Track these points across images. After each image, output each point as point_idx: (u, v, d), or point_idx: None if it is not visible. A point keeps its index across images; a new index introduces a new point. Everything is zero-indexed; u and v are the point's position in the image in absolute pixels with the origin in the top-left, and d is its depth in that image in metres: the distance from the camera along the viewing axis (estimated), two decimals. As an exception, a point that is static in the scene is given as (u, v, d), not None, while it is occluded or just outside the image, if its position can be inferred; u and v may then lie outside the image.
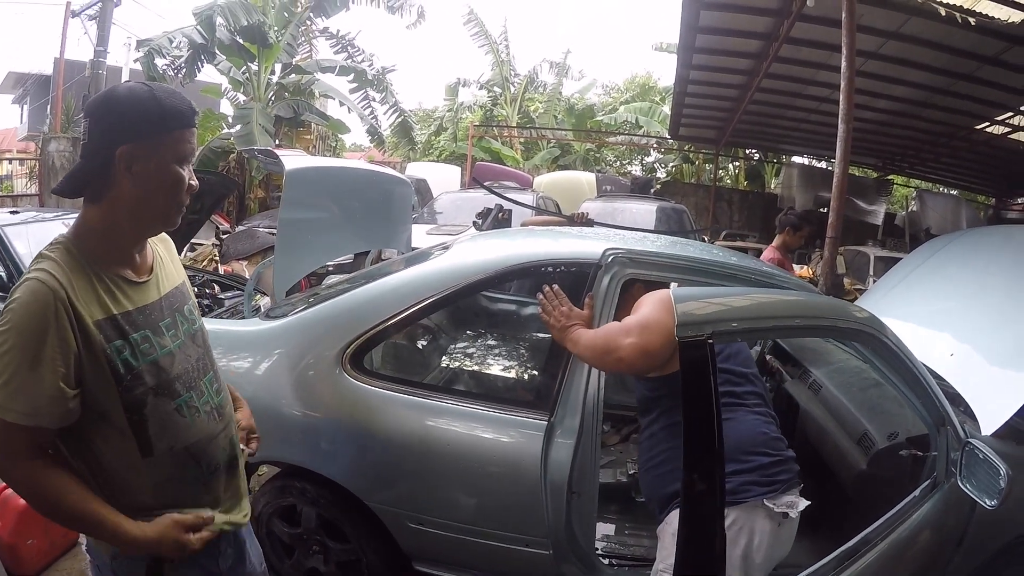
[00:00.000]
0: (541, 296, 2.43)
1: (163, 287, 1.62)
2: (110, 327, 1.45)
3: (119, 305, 1.48)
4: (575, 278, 2.79)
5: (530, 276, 3.01)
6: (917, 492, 2.42)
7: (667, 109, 21.88)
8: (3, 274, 5.00)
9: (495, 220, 6.00)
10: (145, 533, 1.46)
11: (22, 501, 3.18)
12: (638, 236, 3.46)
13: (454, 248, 3.16)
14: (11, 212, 6.24)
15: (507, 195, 6.60)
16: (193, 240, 7.35)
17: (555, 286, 2.45)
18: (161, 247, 1.71)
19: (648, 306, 2.20)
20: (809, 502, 2.19)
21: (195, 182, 1.54)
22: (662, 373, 2.25)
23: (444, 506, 2.69)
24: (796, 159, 22.57)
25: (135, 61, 16.14)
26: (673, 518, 2.19)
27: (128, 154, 1.43)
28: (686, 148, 24.46)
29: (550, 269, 2.87)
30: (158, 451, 1.52)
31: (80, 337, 1.39)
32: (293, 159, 3.54)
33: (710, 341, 1.67)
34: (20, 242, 5.15)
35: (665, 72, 50.13)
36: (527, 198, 9.32)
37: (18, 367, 1.34)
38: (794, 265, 13.45)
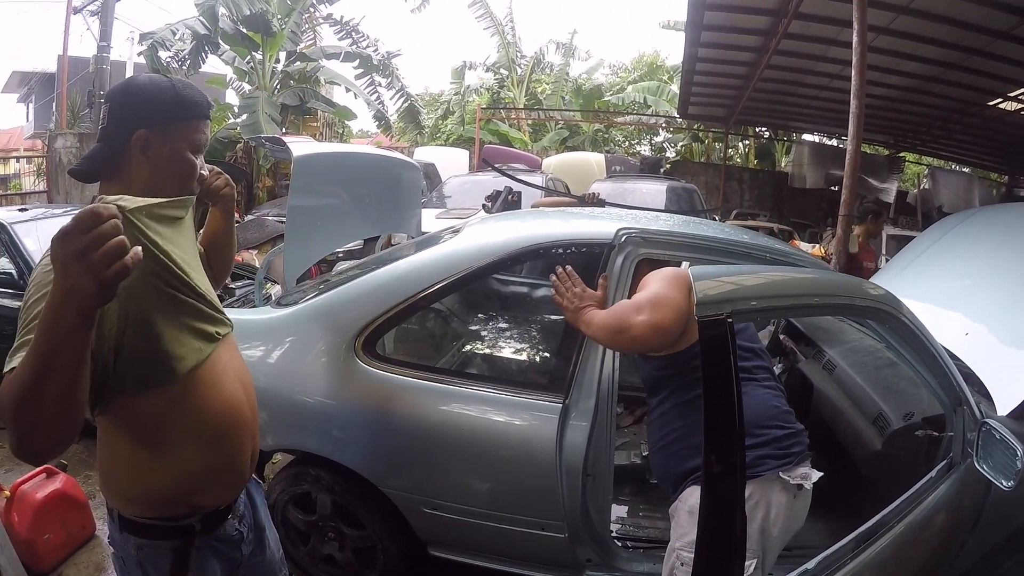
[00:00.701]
0: (554, 277, 2.42)
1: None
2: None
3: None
4: (587, 258, 2.78)
5: (542, 257, 2.98)
6: (933, 473, 2.40)
7: (675, 88, 21.72)
8: (14, 271, 5.06)
9: (505, 202, 5.98)
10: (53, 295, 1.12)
11: (39, 496, 3.23)
12: (650, 216, 3.43)
13: (464, 231, 3.15)
14: (20, 210, 6.29)
15: (517, 177, 6.56)
16: (202, 230, 7.34)
17: (568, 267, 2.44)
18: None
19: (657, 282, 2.19)
20: (821, 473, 2.19)
21: (206, 171, 1.63)
22: (672, 351, 2.24)
23: (459, 491, 2.69)
24: (807, 137, 22.40)
25: (139, 55, 16.14)
26: (688, 496, 2.19)
27: (144, 138, 1.51)
28: (695, 127, 24.32)
29: (561, 250, 2.85)
30: None
31: None
32: (301, 146, 3.53)
33: (729, 320, 1.65)
34: (30, 239, 5.21)
35: (673, 50, 49.87)
36: (536, 180, 9.27)
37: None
38: (805, 244, 13.46)
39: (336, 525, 2.93)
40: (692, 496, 2.16)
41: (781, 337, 4.25)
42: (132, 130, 1.51)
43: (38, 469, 3.34)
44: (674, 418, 2.30)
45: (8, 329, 4.34)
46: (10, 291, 4.97)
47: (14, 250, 5.13)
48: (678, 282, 2.18)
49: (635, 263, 2.62)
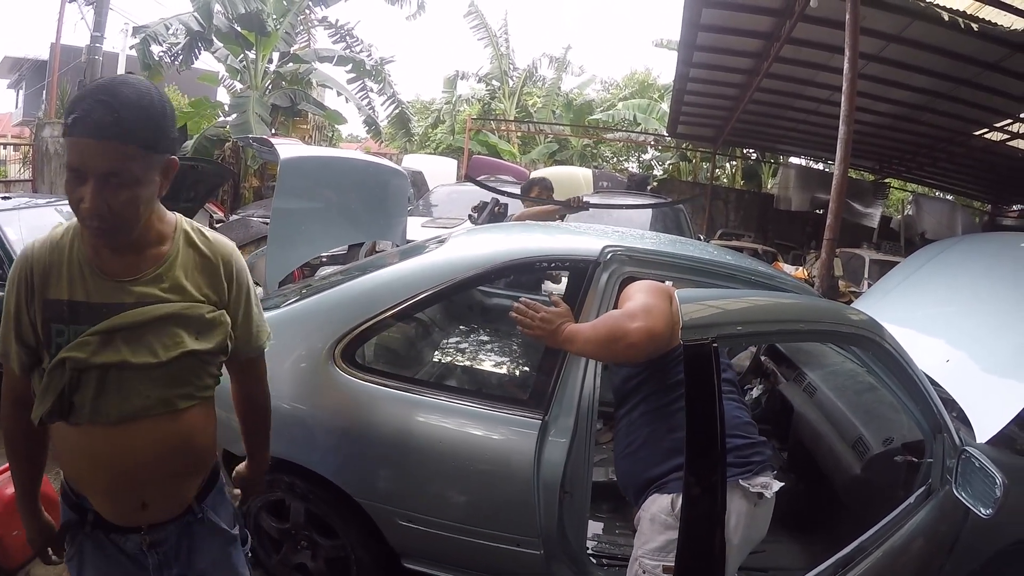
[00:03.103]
0: (514, 315, 2.35)
1: (147, 298, 1.52)
2: (59, 308, 1.47)
3: (77, 292, 1.48)
4: (573, 274, 2.77)
5: (526, 272, 2.97)
6: (912, 499, 2.40)
7: (666, 106, 21.88)
8: None
9: (491, 214, 5.96)
10: (29, 528, 1.74)
11: (8, 492, 3.16)
12: (636, 234, 3.43)
13: (449, 242, 3.13)
14: (3, 198, 6.21)
15: (502, 189, 6.56)
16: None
17: (521, 299, 2.39)
18: (195, 265, 1.61)
19: (642, 293, 2.20)
20: (783, 483, 2.19)
21: (88, 204, 1.37)
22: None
23: (434, 504, 2.65)
24: (793, 160, 22.60)
25: (131, 48, 16.07)
26: (649, 504, 2.20)
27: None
28: (684, 146, 24.46)
29: (546, 265, 2.84)
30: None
31: (36, 306, 1.48)
32: (288, 148, 3.51)
33: (715, 345, 1.64)
34: (11, 228, 5.12)
35: (664, 69, 50.31)
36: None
37: (4, 315, 1.51)
38: (789, 266, 13.55)
39: (309, 534, 2.88)
40: (654, 504, 2.18)
41: (762, 359, 4.26)
42: None
43: (5, 465, 3.27)
44: (640, 426, 2.31)
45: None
46: None
47: None
48: (661, 292, 2.20)
49: (620, 281, 2.61)
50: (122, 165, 1.36)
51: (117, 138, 1.34)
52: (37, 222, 5.28)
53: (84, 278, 1.48)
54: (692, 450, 1.70)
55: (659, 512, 2.15)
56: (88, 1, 16.07)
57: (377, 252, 4.69)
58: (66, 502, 1.65)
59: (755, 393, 4.27)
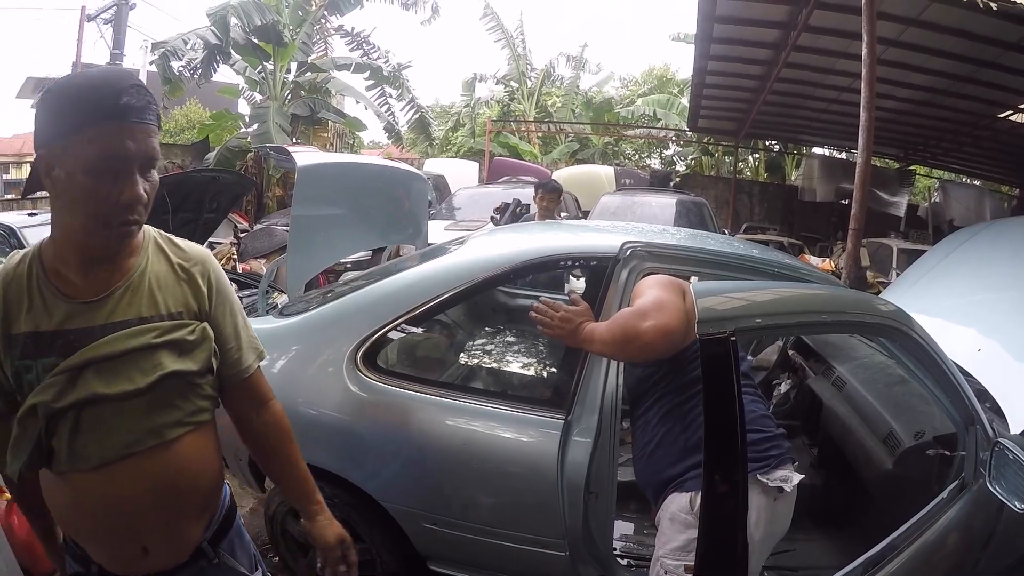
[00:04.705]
0: (533, 315, 2.33)
1: (116, 317, 1.39)
2: (24, 342, 1.34)
3: (40, 322, 1.34)
4: (593, 272, 2.75)
5: (547, 270, 2.95)
6: (945, 494, 2.34)
7: (685, 101, 21.75)
8: None
9: (513, 215, 5.99)
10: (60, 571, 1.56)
11: None
12: (657, 229, 3.40)
13: (469, 243, 3.12)
14: (29, 214, 6.47)
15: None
16: (211, 239, 7.40)
17: (541, 298, 2.38)
18: (166, 271, 1.48)
19: (654, 288, 2.17)
20: (803, 476, 2.16)
21: (133, 192, 1.28)
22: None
23: (459, 506, 2.64)
24: (816, 150, 22.36)
25: (151, 63, 16.26)
26: (669, 503, 2.18)
27: (44, 159, 1.28)
28: (705, 140, 24.30)
29: (567, 263, 2.82)
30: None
31: (0, 345, 1.34)
32: (305, 155, 3.51)
33: (732, 338, 1.61)
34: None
35: (683, 64, 49.88)
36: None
37: None
38: (815, 258, 13.40)
39: (335, 538, 2.88)
40: (673, 503, 2.15)
41: (790, 353, 4.20)
42: (37, 150, 1.29)
43: None
44: (657, 425, 2.28)
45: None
46: None
47: None
48: (672, 286, 2.17)
49: (640, 277, 2.58)
50: (158, 147, 1.33)
51: (157, 121, 1.31)
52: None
53: (46, 304, 1.35)
54: (711, 448, 1.67)
55: (678, 511, 2.13)
56: (107, 20, 16.40)
57: (400, 256, 4.70)
58: (69, 553, 1.52)
59: (783, 388, 4.21)
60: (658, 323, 2.03)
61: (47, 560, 3.16)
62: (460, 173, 16.57)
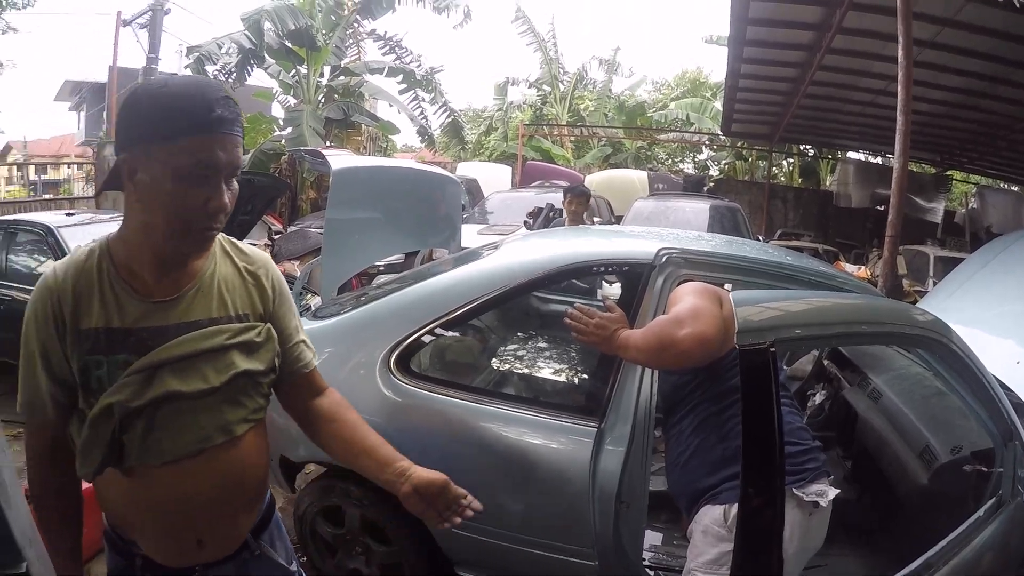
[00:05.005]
0: (568, 320, 2.31)
1: (188, 317, 1.43)
2: (95, 338, 1.35)
3: (112, 318, 1.36)
4: (628, 278, 2.72)
5: (583, 276, 2.94)
6: (981, 512, 2.29)
7: (719, 105, 21.58)
8: None
9: (546, 219, 5.98)
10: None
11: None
12: (692, 235, 3.36)
13: (504, 247, 3.12)
14: (67, 214, 6.64)
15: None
16: (246, 240, 7.49)
17: (576, 304, 2.36)
18: (232, 273, 1.52)
19: (690, 295, 2.13)
20: (838, 491, 2.11)
21: (219, 201, 1.32)
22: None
23: (489, 512, 2.62)
24: (851, 155, 22.06)
25: (186, 67, 16.51)
26: (702, 515, 2.15)
27: (128, 163, 1.31)
28: (739, 145, 24.10)
29: (602, 269, 2.81)
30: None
31: (69, 339, 1.35)
32: (339, 159, 3.54)
33: (772, 349, 1.58)
34: (75, 243, 5.37)
35: (715, 66, 49.61)
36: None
37: (22, 358, 1.38)
38: (851, 265, 13.22)
39: (364, 540, 2.90)
40: (706, 515, 2.12)
41: (825, 363, 4.14)
42: (120, 152, 1.31)
43: None
44: (691, 435, 2.25)
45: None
46: None
47: (59, 252, 5.41)
48: (709, 293, 2.13)
49: (675, 284, 2.55)
50: (241, 156, 1.37)
51: (241, 131, 1.35)
52: (100, 236, 5.52)
53: (119, 302, 1.37)
54: (749, 460, 1.64)
55: (711, 524, 2.10)
56: (142, 24, 16.72)
57: (434, 260, 4.71)
58: (111, 547, 1.54)
59: (818, 399, 4.15)
60: (695, 331, 1.99)
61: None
62: (493, 177, 16.60)
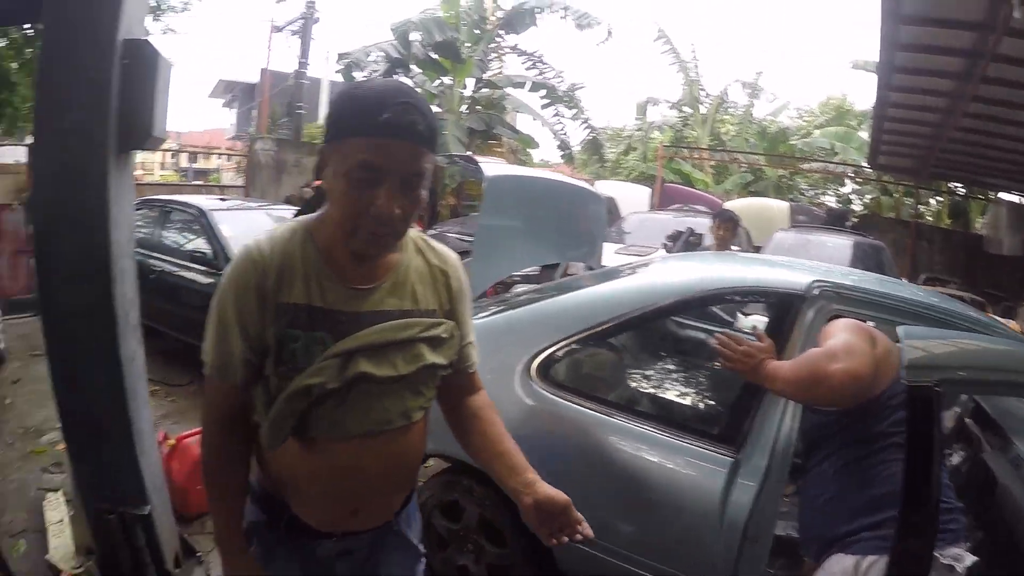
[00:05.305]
0: (716, 345, 2.30)
1: (383, 307, 1.50)
2: (295, 313, 1.42)
3: (313, 297, 1.43)
4: (777, 308, 2.68)
5: (733, 301, 2.91)
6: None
7: (864, 135, 20.63)
8: (209, 251, 5.83)
9: (686, 243, 5.93)
10: (233, 568, 1.53)
11: (197, 452, 3.48)
12: (843, 270, 3.26)
13: (653, 267, 3.12)
14: (220, 199, 7.32)
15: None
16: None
17: (724, 331, 2.33)
18: (423, 272, 1.59)
19: (844, 332, 2.09)
20: (977, 558, 1.97)
21: (384, 207, 1.34)
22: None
23: (611, 528, 2.61)
24: (1004, 196, 20.53)
25: (335, 72, 17.37)
26: (832, 564, 2.07)
27: (322, 155, 1.41)
28: (883, 179, 22.96)
29: (749, 297, 2.77)
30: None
31: (270, 310, 1.41)
32: (493, 167, 3.63)
33: (937, 389, 1.53)
34: (225, 226, 5.99)
35: (860, 94, 47.52)
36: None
37: (216, 323, 1.44)
38: (999, 319, 12.35)
39: (478, 539, 2.94)
40: (836, 564, 2.05)
41: (966, 421, 3.89)
42: (323, 144, 1.41)
43: (197, 428, 3.61)
44: (832, 479, 2.19)
45: (201, 303, 4.81)
46: (205, 268, 5.74)
47: (211, 233, 5.91)
48: (863, 332, 2.09)
49: (827, 319, 2.48)
50: (420, 168, 1.37)
51: (422, 142, 1.35)
52: (248, 222, 6.12)
53: (320, 283, 1.44)
54: (907, 506, 1.59)
55: (840, 574, 2.02)
56: (294, 31, 17.77)
57: (568, 275, 4.74)
58: (256, 501, 1.60)
59: (955, 460, 3.90)
60: (848, 367, 1.94)
61: (195, 503, 3.43)
62: (631, 197, 16.47)
